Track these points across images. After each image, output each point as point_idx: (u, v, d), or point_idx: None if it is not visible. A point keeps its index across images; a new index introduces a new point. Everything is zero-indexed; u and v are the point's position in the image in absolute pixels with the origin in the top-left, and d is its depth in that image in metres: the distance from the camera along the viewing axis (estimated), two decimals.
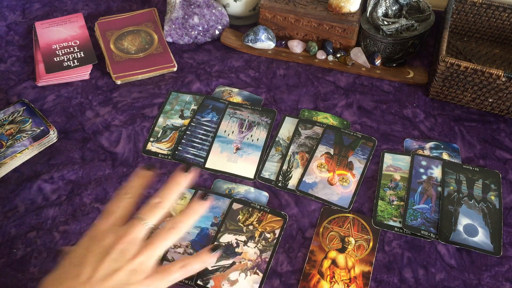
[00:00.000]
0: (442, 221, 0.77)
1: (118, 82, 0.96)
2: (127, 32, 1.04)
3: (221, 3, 1.04)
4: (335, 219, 0.78)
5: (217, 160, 0.85)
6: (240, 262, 0.73)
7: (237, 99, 0.94)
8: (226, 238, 0.75)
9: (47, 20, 1.07)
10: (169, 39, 1.03)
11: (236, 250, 0.74)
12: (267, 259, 0.74)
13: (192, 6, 1.01)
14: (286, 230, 0.77)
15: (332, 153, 0.85)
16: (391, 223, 0.77)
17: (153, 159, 0.86)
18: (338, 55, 0.99)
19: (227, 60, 1.01)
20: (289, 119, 0.91)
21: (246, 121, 0.90)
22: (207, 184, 0.83)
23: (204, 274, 0.72)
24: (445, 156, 0.86)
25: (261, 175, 0.83)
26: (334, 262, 0.74)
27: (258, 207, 0.79)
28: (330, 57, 1.00)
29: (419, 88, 0.96)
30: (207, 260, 0.61)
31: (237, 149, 0.87)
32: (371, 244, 0.75)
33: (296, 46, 1.00)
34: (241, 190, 0.82)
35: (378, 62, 0.98)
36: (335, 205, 0.80)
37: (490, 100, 0.89)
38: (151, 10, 1.09)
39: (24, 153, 0.83)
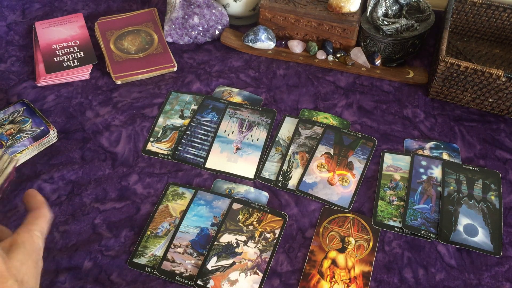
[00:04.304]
0: (442, 221, 0.77)
1: (118, 82, 0.96)
2: (127, 32, 1.04)
3: (221, 3, 1.04)
4: (335, 219, 0.78)
5: (217, 160, 0.85)
6: (240, 262, 0.73)
7: (237, 99, 0.94)
8: (226, 238, 0.75)
9: (47, 20, 1.07)
10: (169, 39, 1.03)
11: (236, 250, 0.74)
12: (267, 259, 0.74)
13: (192, 6, 1.01)
14: (286, 230, 0.77)
15: (332, 153, 0.85)
16: (391, 223, 0.77)
17: (153, 159, 0.86)
18: (338, 55, 0.99)
19: (227, 60, 1.01)
20: (289, 119, 0.91)
21: (246, 121, 0.90)
22: (207, 184, 0.83)
23: (204, 274, 0.72)
24: (445, 156, 0.86)
25: (261, 175, 0.83)
26: (334, 262, 0.74)
27: (258, 207, 0.79)
28: (330, 57, 1.00)
29: (419, 88, 0.96)
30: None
31: (237, 149, 0.87)
32: (371, 244, 0.75)
33: (296, 46, 1.00)
34: (241, 190, 0.82)
35: (378, 62, 0.98)
36: (335, 205, 0.80)
37: (490, 100, 0.89)
38: (151, 10, 1.09)
39: (24, 153, 0.83)
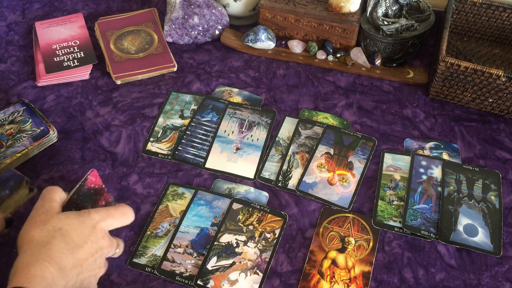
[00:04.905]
0: (442, 221, 0.77)
1: (118, 82, 0.96)
2: (127, 32, 1.04)
3: (221, 3, 1.05)
4: (335, 219, 0.78)
5: (217, 160, 0.85)
6: (240, 262, 0.73)
7: (237, 99, 0.94)
8: (226, 238, 0.75)
9: (47, 20, 1.07)
10: (169, 39, 1.03)
11: (236, 250, 0.74)
12: (267, 259, 0.74)
13: (192, 6, 1.01)
14: (286, 230, 0.77)
15: (332, 153, 0.85)
16: (391, 223, 0.77)
17: (153, 159, 0.86)
18: (338, 55, 0.99)
19: (227, 60, 1.01)
20: (289, 119, 0.91)
21: (246, 121, 0.90)
22: (207, 184, 0.83)
23: (204, 274, 0.72)
24: (445, 156, 0.86)
25: (261, 175, 0.83)
26: (334, 262, 0.74)
27: (258, 207, 0.79)
28: (330, 57, 1.00)
29: (419, 88, 0.96)
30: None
31: (237, 149, 0.87)
32: (371, 244, 0.75)
33: (296, 46, 1.00)
34: (241, 190, 0.82)
35: (378, 62, 0.98)
36: (335, 205, 0.80)
37: (490, 100, 0.89)
38: (151, 10, 1.09)
39: (24, 153, 0.83)
